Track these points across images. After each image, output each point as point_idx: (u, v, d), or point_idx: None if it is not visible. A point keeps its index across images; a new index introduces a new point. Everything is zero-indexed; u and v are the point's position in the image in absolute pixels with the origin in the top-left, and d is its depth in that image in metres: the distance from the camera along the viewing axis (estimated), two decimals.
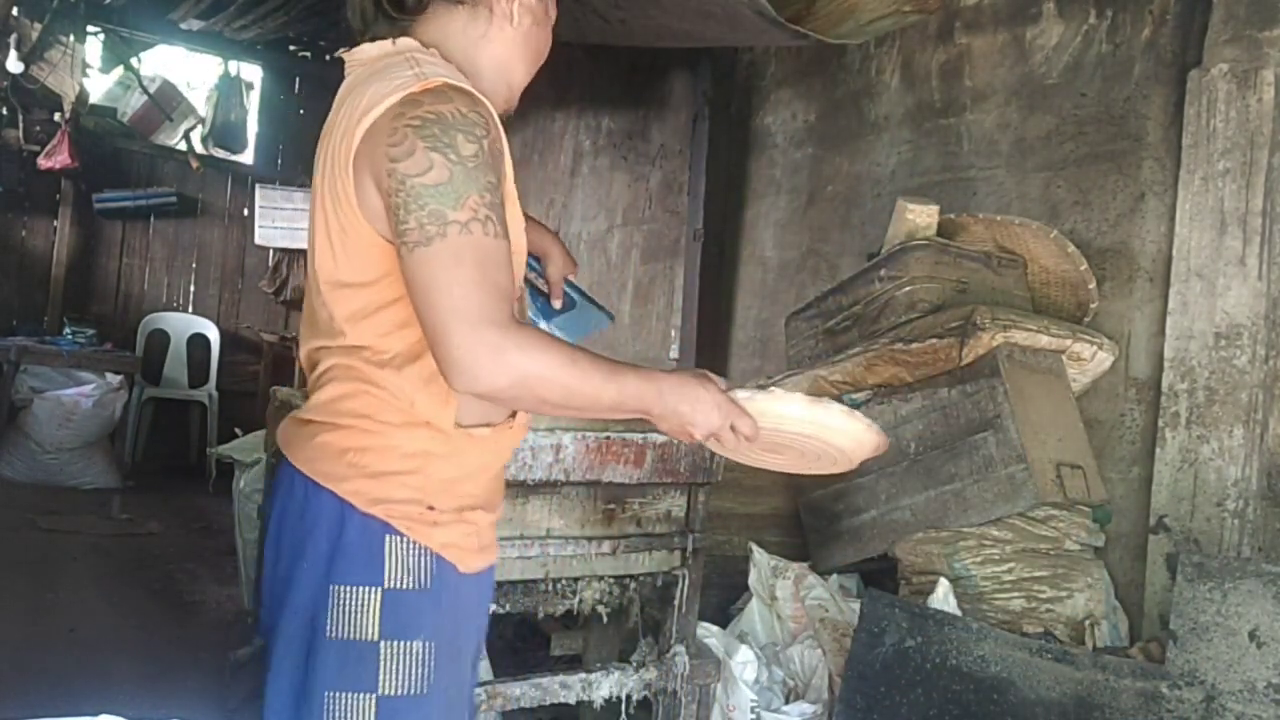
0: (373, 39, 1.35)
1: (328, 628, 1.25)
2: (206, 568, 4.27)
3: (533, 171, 6.11)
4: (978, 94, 3.57)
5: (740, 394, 1.33)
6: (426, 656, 1.27)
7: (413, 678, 1.26)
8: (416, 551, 1.27)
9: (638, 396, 1.24)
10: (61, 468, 5.41)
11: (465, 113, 1.20)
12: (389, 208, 1.19)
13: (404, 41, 1.33)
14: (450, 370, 1.15)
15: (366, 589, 1.25)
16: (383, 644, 1.25)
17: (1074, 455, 2.81)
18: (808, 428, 1.36)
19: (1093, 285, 3.02)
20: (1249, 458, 2.70)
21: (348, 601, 1.25)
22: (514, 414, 1.38)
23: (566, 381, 1.18)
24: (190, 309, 6.81)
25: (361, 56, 1.35)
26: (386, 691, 1.25)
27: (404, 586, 1.26)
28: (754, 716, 2.45)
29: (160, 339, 6.44)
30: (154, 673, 3.11)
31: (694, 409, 1.27)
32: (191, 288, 6.86)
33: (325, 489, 1.27)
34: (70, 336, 5.76)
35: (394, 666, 1.25)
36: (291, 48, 7.04)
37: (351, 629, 1.25)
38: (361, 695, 1.25)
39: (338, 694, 1.25)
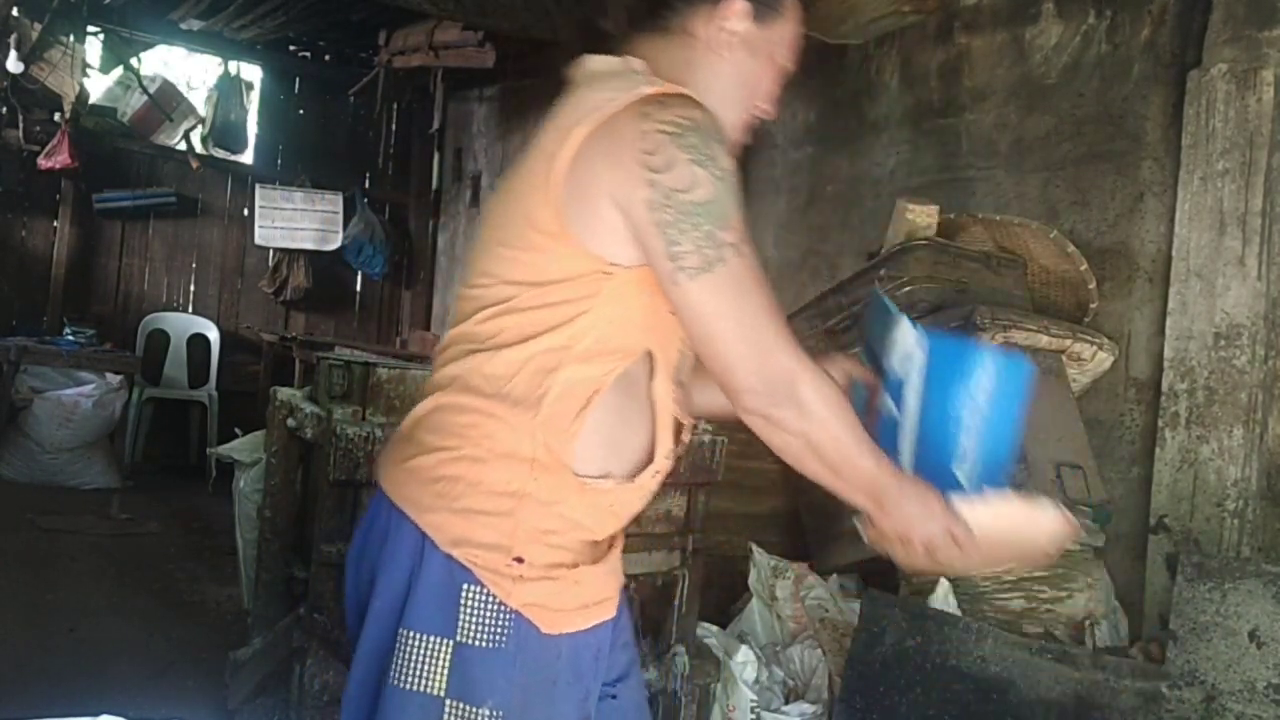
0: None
1: (393, 674, 1.15)
2: (206, 568, 4.27)
3: None
4: (977, 94, 3.57)
5: (957, 500, 1.24)
6: None
7: None
8: (494, 607, 1.14)
9: (886, 481, 1.17)
10: (61, 468, 5.41)
11: (715, 123, 1.14)
12: (651, 223, 1.10)
13: (634, 60, 1.25)
14: (742, 394, 1.12)
15: (437, 639, 1.14)
16: (448, 702, 1.14)
17: (1074, 455, 2.81)
18: (1020, 530, 1.25)
19: (1092, 285, 3.03)
20: (1249, 458, 2.70)
21: (416, 650, 1.14)
22: (646, 466, 1.24)
23: (838, 430, 1.13)
24: (190, 309, 6.81)
25: (586, 65, 1.26)
26: None
27: (477, 643, 1.14)
28: (754, 716, 2.45)
29: (160, 339, 6.43)
30: (154, 673, 3.11)
31: (923, 513, 1.19)
32: (191, 288, 6.86)
33: (408, 519, 1.17)
34: (70, 336, 5.75)
35: None
36: (291, 48, 7.04)
37: (418, 680, 1.14)
38: None
39: None
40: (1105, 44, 3.18)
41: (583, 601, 1.21)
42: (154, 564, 4.30)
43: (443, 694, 1.14)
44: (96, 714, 1.07)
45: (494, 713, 1.14)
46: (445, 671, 1.14)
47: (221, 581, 4.04)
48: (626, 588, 1.37)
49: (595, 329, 1.16)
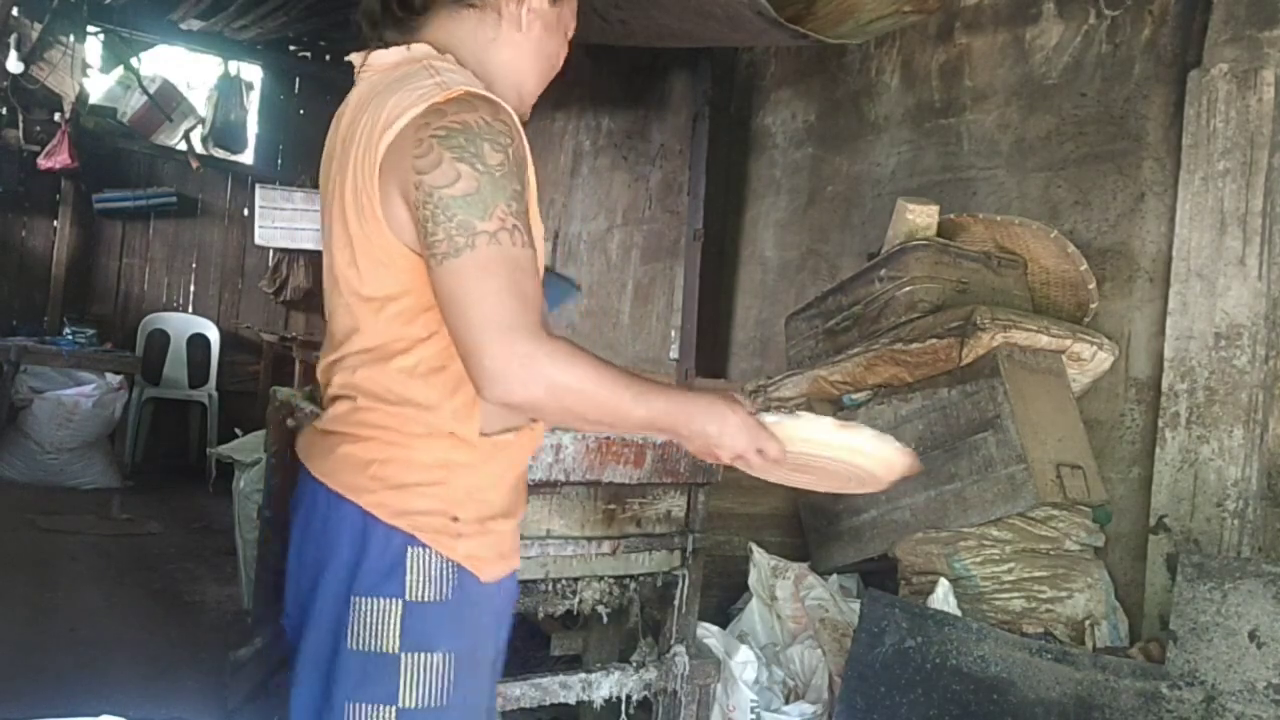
0: (384, 43, 1.34)
1: (349, 639, 1.26)
2: (206, 568, 4.27)
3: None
4: (978, 94, 3.57)
5: (768, 418, 1.32)
6: (446, 668, 1.27)
7: (433, 690, 1.26)
8: (439, 563, 1.27)
9: (666, 416, 1.25)
10: (61, 468, 5.41)
11: (490, 121, 1.20)
12: (417, 220, 1.18)
13: (419, 48, 1.32)
14: (483, 381, 1.15)
15: (387, 600, 1.25)
16: (403, 656, 1.25)
17: (1074, 455, 2.81)
18: (837, 451, 1.35)
19: (1093, 285, 3.02)
20: (1249, 458, 2.70)
21: (369, 613, 1.25)
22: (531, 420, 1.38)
23: (595, 395, 1.18)
24: (190, 309, 6.80)
25: (377, 63, 1.33)
26: (406, 704, 1.25)
27: (425, 599, 1.26)
28: (754, 716, 2.45)
29: (160, 339, 6.44)
30: (154, 673, 3.11)
31: (721, 431, 1.27)
32: (191, 288, 6.86)
33: (348, 501, 1.27)
34: (70, 336, 5.76)
35: (414, 679, 1.25)
36: (291, 48, 7.03)
37: (372, 640, 1.25)
38: (382, 707, 1.25)
39: (358, 705, 1.25)
40: (1106, 44, 3.18)
41: (502, 551, 1.35)
42: (154, 564, 4.30)
43: (396, 650, 1.25)
44: (96, 714, 1.07)
45: (446, 655, 1.27)
46: (397, 629, 1.25)
47: (221, 581, 4.04)
48: (626, 586, 1.43)
49: None
